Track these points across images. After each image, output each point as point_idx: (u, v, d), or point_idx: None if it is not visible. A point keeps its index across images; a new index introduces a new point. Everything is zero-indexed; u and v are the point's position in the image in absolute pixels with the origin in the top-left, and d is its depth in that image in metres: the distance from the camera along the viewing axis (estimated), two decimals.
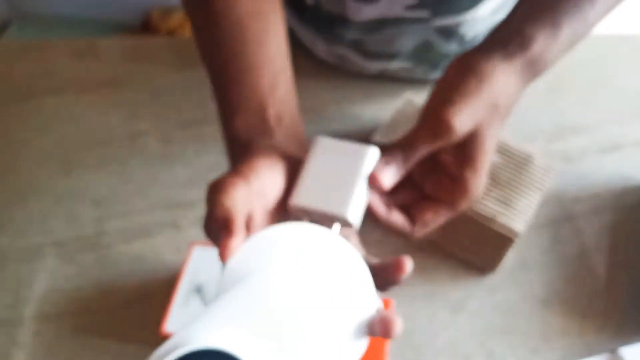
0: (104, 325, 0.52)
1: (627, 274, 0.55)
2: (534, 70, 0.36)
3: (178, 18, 1.54)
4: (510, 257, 0.56)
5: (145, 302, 0.53)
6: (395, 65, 0.62)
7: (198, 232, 0.57)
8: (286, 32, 0.40)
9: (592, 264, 0.55)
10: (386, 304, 0.48)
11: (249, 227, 0.29)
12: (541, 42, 0.35)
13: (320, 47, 0.63)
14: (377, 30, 0.56)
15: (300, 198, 0.31)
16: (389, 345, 0.51)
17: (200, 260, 0.33)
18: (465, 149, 0.34)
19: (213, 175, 0.31)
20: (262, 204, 0.30)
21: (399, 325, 0.28)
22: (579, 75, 0.70)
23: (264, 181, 0.30)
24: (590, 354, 0.50)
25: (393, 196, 0.36)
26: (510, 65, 0.35)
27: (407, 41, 0.57)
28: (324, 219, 0.31)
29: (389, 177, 0.33)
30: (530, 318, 0.52)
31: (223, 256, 0.27)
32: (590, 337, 0.51)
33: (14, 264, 0.56)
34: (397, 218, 0.35)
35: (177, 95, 0.68)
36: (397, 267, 0.31)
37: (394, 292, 0.53)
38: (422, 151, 0.34)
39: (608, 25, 0.45)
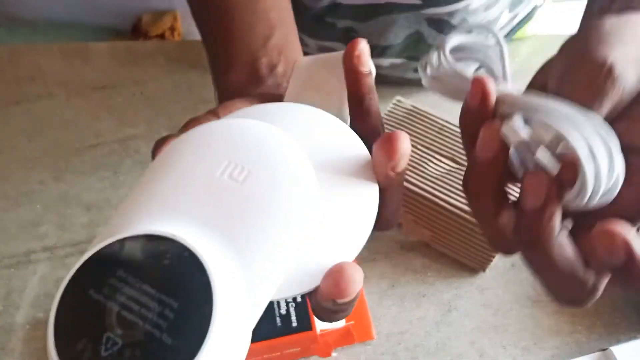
0: None
1: None
2: None
3: (168, 22, 1.54)
4: (500, 257, 0.56)
5: None
6: (386, 62, 0.62)
7: None
8: None
9: None
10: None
11: None
12: None
13: (309, 43, 0.63)
14: (368, 19, 0.56)
15: None
16: (380, 341, 0.51)
17: None
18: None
19: None
20: None
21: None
22: None
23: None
24: (581, 353, 0.51)
25: None
26: None
27: (399, 31, 0.57)
28: None
29: None
30: (521, 317, 0.53)
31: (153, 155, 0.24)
32: (581, 336, 0.52)
33: (5, 270, 0.55)
34: (565, 244, 0.23)
35: (167, 99, 0.68)
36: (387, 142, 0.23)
37: (385, 292, 0.53)
38: None
39: None
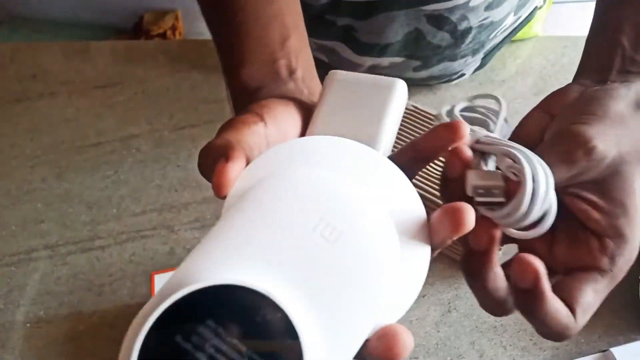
0: (96, 329, 0.52)
1: None
2: None
3: (170, 21, 1.54)
4: (501, 258, 0.56)
5: (138, 306, 0.53)
6: (386, 62, 0.62)
7: (191, 234, 0.57)
8: None
9: None
10: None
11: None
12: None
13: (310, 43, 0.63)
14: (368, 16, 0.56)
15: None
16: None
17: None
18: (610, 192, 0.27)
19: None
20: None
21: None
22: (565, 76, 0.70)
23: (282, 123, 0.27)
24: (580, 354, 0.51)
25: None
26: None
27: (398, 29, 0.57)
28: None
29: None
30: (520, 318, 0.52)
31: (219, 186, 0.23)
32: (580, 337, 0.52)
33: (6, 267, 0.56)
34: (558, 307, 0.27)
35: (169, 97, 0.68)
36: (452, 218, 0.23)
37: None
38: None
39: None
